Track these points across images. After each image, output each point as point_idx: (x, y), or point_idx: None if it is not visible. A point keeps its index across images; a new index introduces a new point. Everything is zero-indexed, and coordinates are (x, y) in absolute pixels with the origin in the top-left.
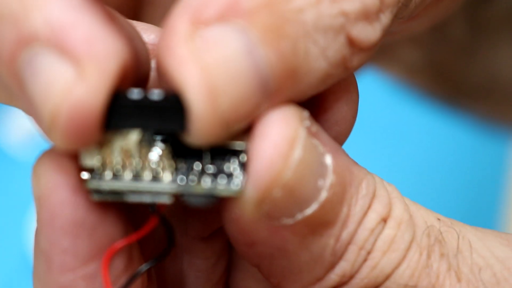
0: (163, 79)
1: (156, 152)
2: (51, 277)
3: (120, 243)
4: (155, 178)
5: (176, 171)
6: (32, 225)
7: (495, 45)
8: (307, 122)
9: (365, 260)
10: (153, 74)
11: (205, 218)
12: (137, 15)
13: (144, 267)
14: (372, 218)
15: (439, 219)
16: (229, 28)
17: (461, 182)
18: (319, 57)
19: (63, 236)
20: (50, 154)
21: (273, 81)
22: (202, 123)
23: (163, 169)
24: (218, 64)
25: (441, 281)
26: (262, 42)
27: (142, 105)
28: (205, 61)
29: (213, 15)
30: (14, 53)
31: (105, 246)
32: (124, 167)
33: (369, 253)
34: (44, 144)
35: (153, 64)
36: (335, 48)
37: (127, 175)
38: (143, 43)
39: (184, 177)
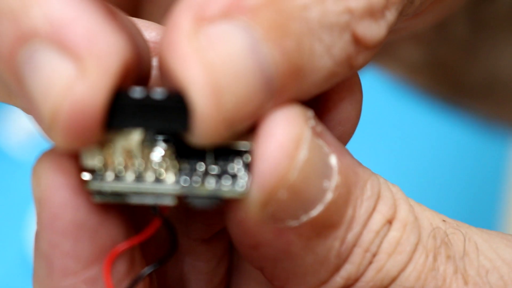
0: (166, 78)
1: (159, 152)
2: (52, 281)
3: (122, 245)
4: (158, 179)
5: (179, 172)
6: (32, 225)
7: (497, 44)
8: (312, 122)
9: (370, 262)
10: (154, 72)
11: (207, 220)
12: (137, 13)
13: (146, 270)
14: (378, 219)
15: (444, 220)
16: (233, 25)
17: (461, 181)
18: (324, 55)
19: (64, 238)
20: (50, 154)
21: (277, 79)
22: (206, 123)
23: (166, 170)
24: (222, 62)
25: (448, 283)
26: (266, 40)
27: (144, 104)
28: (208, 59)
29: (216, 12)
30: (13, 50)
31: (107, 249)
32: (126, 168)
33: (374, 255)
34: (44, 144)
35: (154, 62)
36: (340, 46)
37: (129, 176)
38: (144, 40)
39: (188, 178)
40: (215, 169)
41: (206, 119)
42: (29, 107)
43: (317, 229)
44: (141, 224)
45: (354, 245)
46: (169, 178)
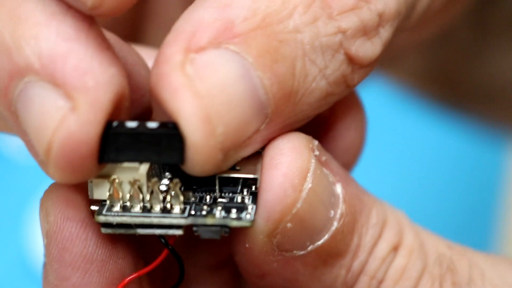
0: (158, 109)
1: (165, 183)
2: None
3: (131, 276)
4: (165, 210)
5: (186, 202)
6: (31, 228)
7: (499, 51)
8: (317, 151)
9: None
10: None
11: (214, 249)
12: (139, 33)
13: None
14: (383, 247)
15: (450, 246)
16: (222, 53)
17: (463, 189)
18: (318, 77)
19: (72, 271)
20: (57, 187)
21: (271, 104)
22: (199, 153)
23: (172, 200)
24: (213, 90)
25: None
26: (257, 66)
27: (137, 137)
28: (199, 88)
29: (206, 41)
30: (7, 85)
31: (115, 281)
32: (133, 199)
33: (380, 282)
34: None
35: None
36: (334, 66)
37: (136, 207)
38: (145, 70)
39: (194, 209)
40: (222, 199)
41: (199, 149)
42: (25, 142)
43: (323, 257)
44: (148, 252)
45: (360, 272)
46: (176, 209)
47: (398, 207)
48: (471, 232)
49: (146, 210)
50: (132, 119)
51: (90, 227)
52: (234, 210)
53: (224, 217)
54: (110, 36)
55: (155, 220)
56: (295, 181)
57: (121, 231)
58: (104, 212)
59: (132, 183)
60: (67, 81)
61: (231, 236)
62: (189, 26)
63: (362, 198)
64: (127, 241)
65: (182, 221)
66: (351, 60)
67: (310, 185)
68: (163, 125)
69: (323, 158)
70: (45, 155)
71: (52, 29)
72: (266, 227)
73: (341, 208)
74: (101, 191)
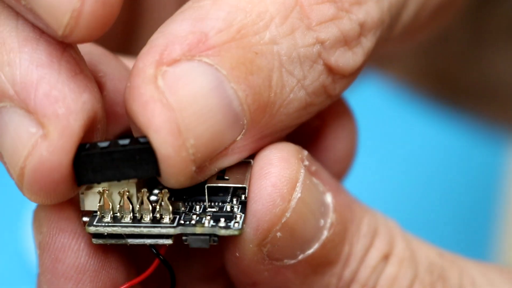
0: (133, 124)
1: (155, 194)
2: None
3: (123, 287)
4: (155, 220)
5: (175, 212)
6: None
7: (495, 51)
8: (307, 161)
9: None
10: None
11: (206, 259)
12: (133, 39)
13: None
14: (374, 256)
15: (441, 254)
16: (195, 65)
17: (460, 189)
18: (296, 88)
19: (65, 282)
20: None
21: (246, 115)
22: (171, 166)
23: (162, 211)
24: (184, 102)
25: None
26: (231, 77)
27: (110, 156)
28: (170, 100)
29: (178, 53)
30: None
31: None
32: (123, 210)
33: None
34: None
35: None
36: (313, 77)
37: (127, 218)
38: None
39: (183, 218)
40: (211, 208)
41: (171, 162)
42: (2, 162)
43: (314, 266)
44: (140, 262)
45: (351, 281)
46: (165, 218)
47: (394, 207)
48: (469, 233)
49: (136, 220)
50: (119, 135)
51: (82, 238)
52: (222, 219)
53: (212, 226)
54: (96, 50)
55: (145, 230)
56: (284, 191)
57: (112, 241)
58: (94, 223)
59: (122, 194)
60: (38, 108)
61: (222, 245)
62: (163, 39)
63: (353, 208)
64: (119, 251)
65: (171, 231)
66: (330, 70)
67: (299, 195)
68: (134, 140)
69: (313, 168)
70: (18, 179)
71: (25, 56)
72: (255, 236)
73: (331, 217)
74: (92, 203)
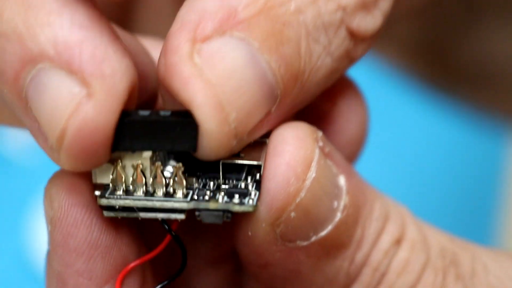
0: (169, 99)
1: (169, 168)
2: None
3: (134, 263)
4: (168, 194)
5: (189, 188)
6: (31, 229)
7: (489, 26)
8: (321, 142)
9: (379, 282)
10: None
11: (215, 241)
12: (128, 17)
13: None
14: (386, 240)
15: (452, 240)
16: (228, 40)
17: (460, 178)
18: (323, 54)
19: (77, 257)
20: (61, 174)
21: (279, 85)
22: (214, 140)
23: (175, 185)
24: (223, 77)
25: None
26: (263, 50)
27: (151, 126)
28: (209, 76)
29: (211, 30)
30: (18, 72)
31: (119, 267)
32: (136, 183)
33: (383, 275)
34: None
35: None
36: (337, 43)
37: (139, 191)
38: (150, 61)
39: (197, 193)
40: (225, 184)
41: (214, 136)
42: (34, 129)
43: (327, 248)
44: (151, 241)
45: (363, 265)
46: (179, 193)
47: (393, 195)
48: (470, 222)
49: (149, 194)
50: (138, 107)
51: (95, 213)
52: (237, 196)
53: (226, 202)
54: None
55: (157, 204)
56: (298, 170)
57: (124, 214)
58: (107, 195)
59: (136, 167)
60: (84, 68)
61: (234, 224)
62: (193, 16)
63: (365, 191)
64: (131, 228)
65: (184, 205)
66: (353, 34)
67: (314, 175)
68: (175, 113)
69: (327, 149)
70: (57, 142)
71: (65, 17)
72: (268, 216)
73: (344, 199)
74: (105, 175)
